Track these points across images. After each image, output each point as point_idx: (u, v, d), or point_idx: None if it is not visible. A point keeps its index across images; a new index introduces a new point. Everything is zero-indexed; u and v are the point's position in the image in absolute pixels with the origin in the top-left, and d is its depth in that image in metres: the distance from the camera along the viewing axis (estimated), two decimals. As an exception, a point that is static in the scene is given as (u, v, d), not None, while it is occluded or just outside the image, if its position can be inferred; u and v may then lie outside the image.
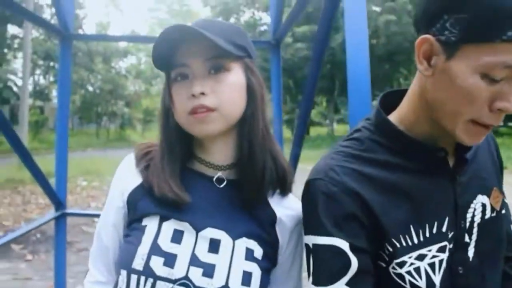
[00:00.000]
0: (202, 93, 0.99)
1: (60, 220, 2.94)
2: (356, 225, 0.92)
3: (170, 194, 1.01)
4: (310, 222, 0.97)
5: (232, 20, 32.11)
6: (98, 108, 35.29)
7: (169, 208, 1.02)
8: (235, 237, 1.03)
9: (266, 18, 33.06)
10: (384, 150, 0.98)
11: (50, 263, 5.78)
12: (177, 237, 1.01)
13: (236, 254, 1.01)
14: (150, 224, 1.02)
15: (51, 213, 2.93)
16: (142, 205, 1.05)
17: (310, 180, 0.98)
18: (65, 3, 2.81)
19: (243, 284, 0.98)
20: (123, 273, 0.99)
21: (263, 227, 1.07)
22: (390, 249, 0.92)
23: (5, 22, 24.39)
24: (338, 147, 1.02)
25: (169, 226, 1.01)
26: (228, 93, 1.01)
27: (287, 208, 1.11)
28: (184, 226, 1.02)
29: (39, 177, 2.61)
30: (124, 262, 1.00)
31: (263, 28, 31.87)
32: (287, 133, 26.53)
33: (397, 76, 30.38)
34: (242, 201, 1.07)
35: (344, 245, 0.91)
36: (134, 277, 0.96)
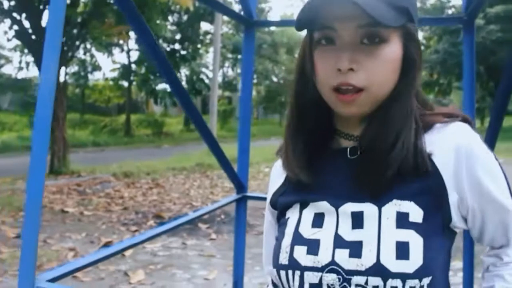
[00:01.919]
0: (351, 69, 0.85)
1: (241, 202, 3.02)
2: None
3: (295, 175, 0.95)
4: None
5: (418, 4, 30.74)
6: (282, 98, 36.52)
7: (304, 192, 0.95)
8: (382, 203, 0.87)
9: (455, 0, 31.03)
10: None
11: (232, 243, 6.06)
12: (318, 221, 0.91)
13: (384, 223, 0.86)
14: (292, 215, 0.96)
15: (233, 195, 3.02)
16: (282, 199, 1.00)
17: None
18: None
19: (398, 258, 0.82)
20: (273, 271, 0.94)
21: (416, 176, 0.88)
22: None
23: (199, 19, 26.40)
24: None
25: (309, 211, 0.93)
26: (380, 70, 0.86)
27: (439, 139, 0.91)
28: (323, 207, 0.92)
29: (223, 162, 2.70)
30: (273, 260, 0.94)
31: (450, 11, 29.99)
32: (476, 123, 24.56)
33: None
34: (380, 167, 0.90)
35: None
36: (283, 273, 0.90)
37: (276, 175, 1.07)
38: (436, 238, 0.86)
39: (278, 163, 1.06)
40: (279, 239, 0.96)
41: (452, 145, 0.89)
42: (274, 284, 1.05)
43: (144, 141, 22.24)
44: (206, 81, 28.35)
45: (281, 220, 0.99)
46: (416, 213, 0.86)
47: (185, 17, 26.30)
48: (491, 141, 2.22)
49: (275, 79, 35.54)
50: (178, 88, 2.21)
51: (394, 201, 0.87)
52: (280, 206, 1.00)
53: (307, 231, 0.91)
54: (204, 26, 29.21)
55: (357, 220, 0.87)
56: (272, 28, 32.70)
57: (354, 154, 0.94)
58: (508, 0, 22.42)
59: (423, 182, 0.88)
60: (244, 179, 3.06)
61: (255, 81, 35.68)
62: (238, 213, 3.09)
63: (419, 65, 0.92)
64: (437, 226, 0.87)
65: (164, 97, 27.46)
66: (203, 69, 29.67)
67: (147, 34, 1.90)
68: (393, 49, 0.87)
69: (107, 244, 5.77)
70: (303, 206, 0.95)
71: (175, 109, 32.64)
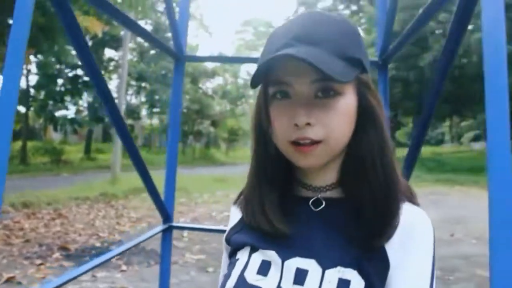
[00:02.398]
0: (308, 124, 0.85)
1: (167, 232, 3.00)
2: None
3: (268, 227, 0.93)
4: None
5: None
6: (185, 127, 36.40)
7: (257, 236, 0.95)
8: (327, 266, 0.87)
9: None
10: None
11: (142, 274, 5.97)
12: (264, 268, 0.91)
13: (324, 286, 0.85)
14: (242, 256, 0.96)
15: (160, 226, 2.99)
16: (235, 238, 1.00)
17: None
18: (180, 27, 2.91)
19: None
20: None
21: (367, 251, 0.88)
22: None
23: (103, 45, 25.85)
24: None
25: (258, 257, 0.93)
26: (337, 122, 0.87)
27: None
28: (271, 257, 0.92)
29: (152, 191, 2.69)
30: None
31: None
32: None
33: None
34: (352, 226, 0.91)
35: None
36: None
37: (235, 212, 1.07)
38: None
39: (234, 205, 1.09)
40: (225, 277, 0.96)
41: (405, 235, 0.89)
42: None
43: (41, 169, 21.11)
44: (109, 108, 27.57)
45: (231, 259, 0.99)
46: (357, 283, 0.85)
47: (89, 43, 25.60)
48: (408, 169, 2.40)
49: (181, 109, 35.38)
50: (115, 114, 2.17)
51: (339, 267, 0.86)
52: (233, 244, 1.00)
53: (251, 276, 0.91)
54: (108, 52, 28.69)
55: (300, 277, 0.87)
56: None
57: (317, 206, 0.95)
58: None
59: (369, 254, 0.87)
60: (170, 209, 3.06)
61: (158, 110, 35.41)
62: (164, 243, 3.07)
63: (381, 113, 0.92)
64: None
65: (64, 124, 26.41)
66: (107, 96, 28.89)
67: (87, 57, 1.87)
68: (348, 101, 0.88)
69: (9, 280, 5.40)
70: (253, 250, 0.95)
71: (75, 136, 31.48)
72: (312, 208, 0.95)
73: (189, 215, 10.73)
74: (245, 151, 49.66)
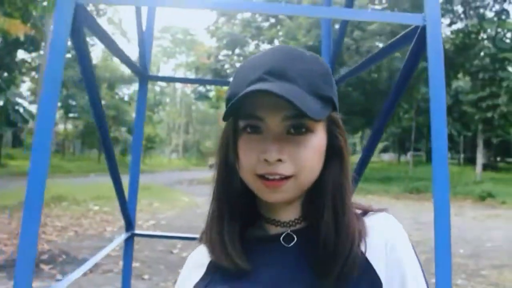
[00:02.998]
0: (279, 160, 0.84)
1: (129, 240, 3.17)
2: None
3: (232, 266, 0.88)
4: None
5: (237, 51, 32.65)
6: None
7: (234, 283, 0.88)
8: None
9: (270, 50, 33.61)
10: None
11: (79, 282, 5.98)
12: None
13: None
14: None
15: (124, 234, 3.15)
16: (209, 286, 0.92)
17: None
18: (145, 49, 3.12)
19: None
20: None
21: (347, 278, 0.85)
22: None
23: (16, 47, 24.87)
24: None
25: None
26: (308, 159, 0.85)
27: (372, 236, 0.91)
28: None
29: (121, 198, 2.85)
30: None
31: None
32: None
33: (398, 111, 30.85)
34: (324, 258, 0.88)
35: None
36: None
37: (193, 267, 0.98)
38: None
39: (195, 254, 1.01)
40: None
41: (382, 241, 0.90)
42: None
43: None
44: (21, 111, 26.53)
45: None
46: None
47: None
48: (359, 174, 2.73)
49: (95, 114, 34.55)
50: (100, 119, 2.31)
51: None
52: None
53: None
54: (21, 54, 27.61)
55: None
56: (95, 62, 32.09)
57: (289, 242, 0.92)
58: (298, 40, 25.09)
59: (360, 278, 0.86)
60: (133, 217, 3.23)
61: (75, 115, 34.43)
62: (126, 251, 3.23)
63: (347, 151, 0.93)
64: None
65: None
66: (19, 100, 27.77)
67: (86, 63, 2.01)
68: (319, 139, 0.87)
69: None
70: None
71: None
72: (284, 244, 0.92)
73: (115, 224, 10.67)
74: (161, 159, 49.08)
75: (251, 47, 33.75)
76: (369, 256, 0.88)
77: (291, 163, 0.84)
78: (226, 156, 0.92)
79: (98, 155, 36.41)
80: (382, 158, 44.97)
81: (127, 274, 3.25)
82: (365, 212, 0.96)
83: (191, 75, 47.61)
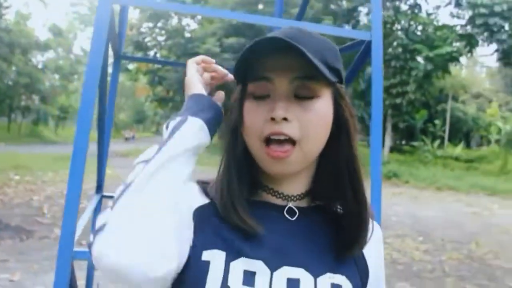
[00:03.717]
0: (285, 119, 0.84)
1: (99, 202, 3.54)
2: None
3: (241, 224, 0.86)
4: None
5: (159, 24, 32.40)
6: (13, 100, 34.16)
7: (237, 243, 0.86)
8: (317, 274, 0.87)
9: (193, 25, 33.64)
10: None
11: (18, 248, 6.20)
12: (249, 279, 0.83)
13: None
14: (214, 261, 0.84)
15: (95, 196, 3.50)
16: (207, 232, 0.88)
17: None
18: (120, 29, 3.46)
19: None
20: None
21: (349, 258, 0.92)
22: None
23: None
24: None
25: (238, 266, 0.84)
26: (314, 124, 0.86)
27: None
28: (256, 266, 0.85)
29: (101, 166, 3.24)
30: None
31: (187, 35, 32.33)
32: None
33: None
34: (329, 234, 0.93)
35: None
36: None
37: (199, 192, 0.95)
38: None
39: (200, 186, 0.97)
40: (196, 283, 0.83)
41: (376, 250, 0.99)
42: None
43: None
44: None
45: (195, 256, 0.85)
46: (346, 286, 0.89)
47: None
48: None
49: (6, 81, 33.04)
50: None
51: (328, 274, 0.88)
52: (200, 240, 0.87)
53: (237, 287, 0.82)
54: None
55: (292, 287, 0.85)
56: (11, 27, 30.63)
57: (292, 215, 0.93)
58: (240, 33, 25.55)
59: (354, 261, 0.93)
60: (102, 182, 3.61)
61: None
62: (96, 211, 3.59)
63: (354, 125, 0.92)
64: None
65: None
66: None
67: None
68: (325, 105, 0.87)
69: None
70: (230, 257, 0.85)
71: None
72: (288, 217, 0.92)
73: (41, 193, 10.71)
74: (74, 130, 47.51)
75: (174, 21, 33.58)
76: (365, 250, 0.96)
77: (297, 124, 0.85)
78: (234, 121, 0.92)
79: (8, 124, 34.94)
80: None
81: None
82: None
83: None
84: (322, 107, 0.87)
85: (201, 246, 0.85)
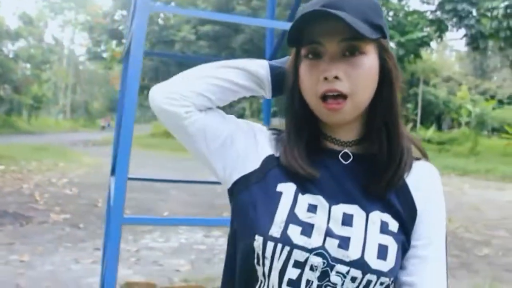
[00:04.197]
0: (336, 77, 0.94)
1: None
2: None
3: (301, 170, 0.99)
4: None
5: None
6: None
7: (301, 183, 1.00)
8: (368, 210, 0.98)
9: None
10: None
11: (21, 232, 6.49)
12: (312, 210, 0.97)
13: (370, 227, 0.97)
14: (286, 192, 0.99)
15: (112, 178, 3.84)
16: (274, 172, 1.02)
17: None
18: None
19: (378, 257, 0.94)
20: (259, 239, 0.95)
21: (396, 199, 1.02)
22: None
23: None
24: None
25: (304, 198, 0.98)
26: (362, 78, 0.96)
27: (416, 174, 1.05)
28: (318, 200, 0.98)
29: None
30: (260, 228, 0.96)
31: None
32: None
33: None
34: (374, 176, 1.01)
35: None
36: (270, 244, 0.94)
37: (268, 136, 1.10)
38: (403, 249, 0.99)
39: (268, 130, 1.12)
40: (269, 208, 0.97)
41: (426, 185, 1.05)
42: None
43: None
44: None
45: (267, 187, 1.01)
46: (393, 225, 0.98)
47: None
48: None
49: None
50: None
51: (378, 212, 0.98)
52: (272, 177, 1.02)
53: (302, 214, 0.95)
54: None
55: (347, 220, 0.96)
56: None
57: (346, 159, 1.03)
58: (215, 21, 25.74)
59: (398, 199, 1.01)
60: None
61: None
62: (109, 194, 3.95)
63: (396, 76, 1.02)
64: (404, 240, 0.99)
65: None
66: None
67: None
68: (371, 60, 0.97)
69: None
70: (299, 191, 0.99)
71: None
72: (342, 161, 1.03)
73: (30, 182, 10.93)
74: (47, 120, 47.14)
75: (147, 8, 33.51)
76: (412, 188, 1.03)
77: (347, 80, 0.94)
78: (293, 82, 1.03)
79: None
80: (272, 122, 47.37)
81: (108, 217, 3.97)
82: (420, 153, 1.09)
83: (84, 34, 45.99)
84: (368, 63, 0.96)
85: (275, 179, 1.01)
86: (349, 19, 0.89)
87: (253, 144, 1.06)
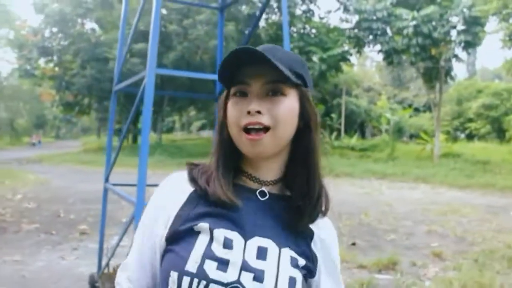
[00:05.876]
0: (258, 112, 1.02)
1: (105, 190, 5.06)
2: None
3: (224, 197, 1.05)
4: None
5: (65, 29, 32.54)
6: None
7: (220, 214, 1.06)
8: (280, 246, 1.06)
9: (99, 30, 34.12)
10: None
11: (1, 240, 7.39)
12: (228, 243, 1.02)
13: (282, 261, 1.04)
14: (204, 230, 1.04)
15: (102, 185, 5.00)
16: (194, 213, 1.07)
17: None
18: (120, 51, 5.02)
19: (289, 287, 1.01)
20: (174, 274, 0.99)
21: (303, 241, 1.11)
22: None
23: None
24: None
25: (220, 234, 1.03)
26: (283, 114, 1.04)
27: (322, 228, 1.16)
28: (234, 235, 1.04)
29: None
30: (175, 265, 1.00)
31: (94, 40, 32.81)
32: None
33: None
34: (288, 215, 1.10)
35: None
36: (186, 279, 0.97)
37: (174, 190, 1.14)
38: (306, 282, 1.11)
39: (174, 180, 1.16)
40: (185, 247, 1.02)
41: (328, 238, 1.17)
42: None
43: None
44: None
45: (185, 232, 1.04)
46: (301, 261, 1.08)
47: None
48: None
49: None
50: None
51: (288, 248, 1.07)
52: (190, 221, 1.05)
53: (219, 250, 1.00)
54: None
55: (262, 253, 1.03)
56: None
57: (263, 196, 1.12)
58: (147, 40, 26.67)
59: (308, 246, 1.13)
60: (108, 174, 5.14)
61: None
62: (104, 197, 5.10)
63: (315, 123, 1.12)
64: (307, 275, 1.10)
65: None
66: None
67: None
68: (292, 102, 1.07)
69: None
70: (214, 227, 1.04)
71: None
72: (259, 197, 1.12)
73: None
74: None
75: (78, 26, 33.86)
76: (316, 237, 1.15)
77: (269, 115, 1.04)
78: (222, 118, 1.12)
79: None
80: (201, 135, 48.69)
81: (103, 220, 5.14)
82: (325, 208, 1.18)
83: (9, 51, 44.96)
84: (289, 103, 1.06)
85: (192, 223, 1.04)
86: (276, 63, 1.00)
87: (166, 216, 1.10)
